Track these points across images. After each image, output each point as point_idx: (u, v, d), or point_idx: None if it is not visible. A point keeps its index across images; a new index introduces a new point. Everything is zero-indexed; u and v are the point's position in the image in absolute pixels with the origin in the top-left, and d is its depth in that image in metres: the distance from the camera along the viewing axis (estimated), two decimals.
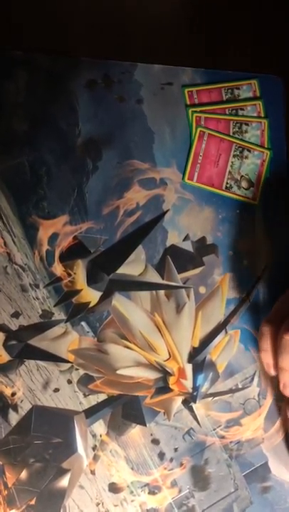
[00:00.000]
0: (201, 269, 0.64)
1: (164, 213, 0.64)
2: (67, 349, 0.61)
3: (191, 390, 0.61)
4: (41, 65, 0.63)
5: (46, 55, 0.63)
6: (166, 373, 0.61)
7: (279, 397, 0.63)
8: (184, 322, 0.62)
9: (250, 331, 0.64)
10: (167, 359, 0.61)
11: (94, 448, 0.60)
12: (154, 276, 0.63)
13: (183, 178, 0.65)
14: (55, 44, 0.64)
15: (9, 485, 0.57)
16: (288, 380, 0.57)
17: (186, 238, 0.65)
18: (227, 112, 0.66)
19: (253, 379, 0.64)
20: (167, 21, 0.68)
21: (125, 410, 0.61)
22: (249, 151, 0.66)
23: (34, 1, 0.64)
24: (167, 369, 0.61)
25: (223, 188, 0.66)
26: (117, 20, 0.66)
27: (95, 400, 0.60)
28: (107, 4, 0.66)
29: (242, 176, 0.66)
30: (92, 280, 0.61)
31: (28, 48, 0.63)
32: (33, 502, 0.57)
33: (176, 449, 0.62)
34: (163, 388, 0.61)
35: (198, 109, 0.66)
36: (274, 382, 0.64)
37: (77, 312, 0.61)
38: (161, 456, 0.61)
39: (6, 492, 0.57)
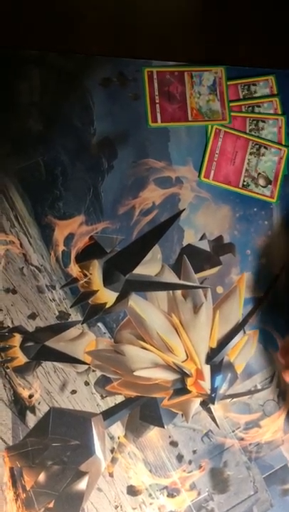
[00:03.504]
0: (218, 268, 0.64)
1: (180, 212, 0.63)
2: (84, 350, 0.60)
3: (209, 392, 0.61)
4: (55, 64, 0.62)
5: (60, 53, 0.62)
6: (183, 374, 0.60)
7: None
8: (201, 322, 0.61)
9: (269, 331, 0.63)
10: (185, 360, 0.61)
11: (112, 450, 0.59)
12: (170, 276, 0.62)
13: (199, 176, 0.64)
14: (69, 43, 0.63)
15: (27, 488, 0.57)
16: None
17: (203, 237, 0.64)
18: (243, 109, 0.65)
19: (272, 380, 0.63)
20: (180, 19, 0.67)
21: (143, 412, 0.60)
22: (266, 148, 0.65)
23: (46, 1, 0.64)
24: (185, 370, 0.60)
25: (240, 185, 0.65)
26: (129, 19, 0.65)
27: (112, 401, 0.60)
28: (119, 3, 0.66)
29: (259, 174, 0.65)
30: (108, 281, 0.61)
31: (42, 47, 0.62)
32: (51, 505, 0.57)
33: (194, 451, 0.61)
34: (181, 390, 0.60)
35: None
36: None
37: (93, 313, 0.60)
38: (180, 458, 0.61)
39: (24, 495, 0.57)
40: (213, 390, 0.61)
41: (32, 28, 0.63)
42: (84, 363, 0.60)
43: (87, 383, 0.60)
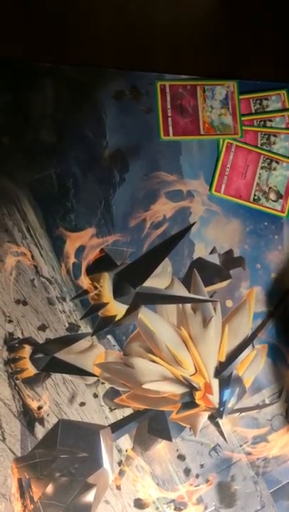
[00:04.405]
0: (227, 282, 0.64)
1: (191, 226, 0.64)
2: (93, 363, 0.60)
3: (217, 406, 0.61)
4: (69, 76, 0.63)
5: (73, 66, 0.63)
6: (192, 388, 0.60)
7: None
8: (210, 336, 0.61)
9: (278, 346, 0.63)
10: (193, 373, 0.61)
11: (119, 463, 0.59)
12: (180, 290, 0.62)
13: (210, 189, 0.64)
14: (82, 55, 0.64)
15: (35, 499, 0.57)
16: None
17: (213, 251, 0.64)
18: (255, 124, 0.65)
19: (280, 395, 0.63)
20: (193, 32, 0.67)
21: (151, 425, 0.60)
22: (277, 162, 0.65)
23: (59, 13, 0.64)
24: (193, 384, 0.60)
25: (251, 200, 0.65)
26: (142, 31, 0.66)
27: (120, 414, 0.60)
28: (133, 16, 0.66)
29: (270, 188, 0.65)
30: (118, 293, 0.61)
31: (56, 60, 0.62)
32: None
33: (202, 465, 0.61)
34: (189, 403, 0.60)
35: None
36: None
37: (103, 325, 0.61)
38: (187, 472, 0.61)
39: (32, 506, 0.57)
40: (222, 404, 0.61)
41: (46, 40, 0.63)
42: (93, 375, 0.60)
43: (96, 395, 0.60)
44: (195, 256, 0.63)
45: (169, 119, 0.63)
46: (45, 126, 0.62)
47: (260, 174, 0.65)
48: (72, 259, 0.61)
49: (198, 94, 0.64)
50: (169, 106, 0.64)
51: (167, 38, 0.66)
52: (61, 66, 0.63)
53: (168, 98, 0.64)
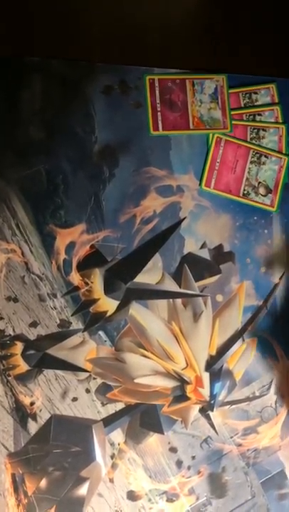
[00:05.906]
0: (218, 277, 0.64)
1: (181, 221, 0.64)
2: (85, 358, 0.61)
3: (208, 398, 0.62)
4: (57, 71, 0.62)
5: (62, 61, 0.62)
6: (183, 382, 0.61)
7: None
8: (201, 330, 0.62)
9: (268, 339, 0.64)
10: (184, 367, 0.61)
11: (112, 456, 0.60)
12: (171, 285, 0.63)
13: (200, 184, 0.64)
14: (71, 50, 0.63)
15: (29, 493, 0.58)
16: None
17: (203, 246, 0.64)
18: (244, 118, 0.65)
19: (270, 387, 0.64)
20: (185, 26, 0.67)
21: (143, 419, 0.61)
22: (267, 157, 0.66)
23: (50, 7, 0.63)
24: (184, 377, 0.61)
25: (241, 194, 0.65)
26: (134, 25, 0.65)
27: (112, 408, 0.61)
28: (124, 10, 0.65)
29: (259, 183, 0.66)
30: (109, 289, 0.61)
31: (44, 55, 0.62)
32: (52, 510, 0.58)
33: (193, 457, 0.62)
34: (180, 397, 0.61)
35: None
36: None
37: (94, 321, 0.61)
38: (179, 464, 0.62)
39: (26, 500, 0.58)
40: (212, 396, 0.62)
41: (34, 36, 0.62)
42: (85, 370, 0.60)
43: (88, 391, 0.60)
44: (185, 251, 0.64)
45: (159, 113, 0.63)
46: (34, 122, 0.61)
47: (249, 169, 0.65)
48: (62, 256, 0.61)
49: (188, 89, 0.64)
50: (158, 100, 0.63)
51: (159, 31, 0.66)
52: (50, 61, 0.62)
53: (157, 92, 0.63)
